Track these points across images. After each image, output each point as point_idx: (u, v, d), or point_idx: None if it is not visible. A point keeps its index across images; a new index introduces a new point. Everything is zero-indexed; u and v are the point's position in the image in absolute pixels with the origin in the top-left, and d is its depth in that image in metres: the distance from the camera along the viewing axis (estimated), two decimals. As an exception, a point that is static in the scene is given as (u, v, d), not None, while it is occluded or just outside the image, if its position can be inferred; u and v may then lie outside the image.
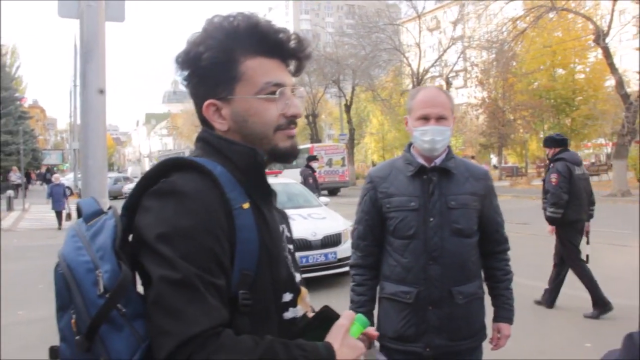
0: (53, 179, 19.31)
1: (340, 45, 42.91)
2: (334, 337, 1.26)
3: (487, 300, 2.74)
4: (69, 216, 17.93)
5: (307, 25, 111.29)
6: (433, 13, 54.36)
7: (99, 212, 1.28)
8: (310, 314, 1.41)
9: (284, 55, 1.38)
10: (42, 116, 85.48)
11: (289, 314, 1.36)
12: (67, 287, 1.18)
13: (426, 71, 38.29)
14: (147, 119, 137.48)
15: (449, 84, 38.20)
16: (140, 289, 1.22)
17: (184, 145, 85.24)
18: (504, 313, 2.73)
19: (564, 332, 6.18)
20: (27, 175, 37.82)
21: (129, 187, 34.03)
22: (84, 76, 5.43)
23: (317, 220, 9.28)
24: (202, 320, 1.11)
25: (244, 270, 1.24)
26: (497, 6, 29.05)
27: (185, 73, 1.38)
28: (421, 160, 2.63)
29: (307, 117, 48.77)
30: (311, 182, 14.63)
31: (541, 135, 44.88)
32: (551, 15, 26.15)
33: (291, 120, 1.38)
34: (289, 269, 1.40)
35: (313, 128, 47.98)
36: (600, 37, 23.24)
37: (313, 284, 8.33)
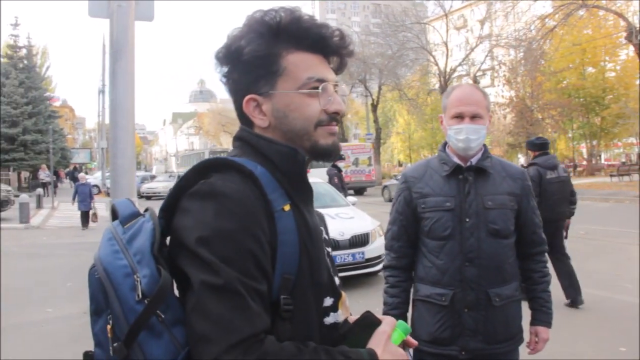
0: (79, 178, 18.83)
1: (367, 44, 42.79)
2: (376, 343, 1.21)
3: (524, 302, 2.67)
4: (94, 216, 17.63)
5: (333, 25, 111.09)
6: (460, 11, 53.88)
7: (136, 214, 1.24)
8: (350, 318, 1.37)
9: (326, 51, 1.34)
10: (71, 115, 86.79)
11: (330, 319, 1.31)
12: (104, 292, 1.15)
13: (453, 70, 38.02)
14: (173, 118, 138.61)
15: (476, 82, 37.84)
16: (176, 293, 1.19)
17: (210, 144, 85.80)
18: (542, 316, 2.65)
19: (597, 335, 6.04)
20: (56, 174, 38.38)
21: (147, 187, 34.36)
22: (113, 75, 5.47)
23: (345, 219, 9.22)
24: (245, 327, 1.08)
25: (285, 275, 1.19)
26: (525, 4, 28.76)
27: (225, 69, 1.34)
28: (457, 160, 2.57)
29: (332, 116, 48.61)
30: (336, 181, 14.64)
31: (570, 135, 44.41)
32: (581, 12, 25.78)
33: (333, 117, 1.33)
34: (330, 272, 1.36)
35: (339, 127, 47.89)
36: (632, 34, 22.86)
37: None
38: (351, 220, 9.31)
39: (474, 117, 2.50)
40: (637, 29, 22.93)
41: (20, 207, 18.41)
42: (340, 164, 15.97)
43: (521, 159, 48.60)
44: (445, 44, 37.32)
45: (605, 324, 6.46)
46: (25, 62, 42.88)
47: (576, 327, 6.23)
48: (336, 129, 1.35)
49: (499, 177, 2.56)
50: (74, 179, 22.65)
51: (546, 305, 2.66)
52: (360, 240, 8.68)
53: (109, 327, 1.14)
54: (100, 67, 39.29)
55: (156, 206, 1.27)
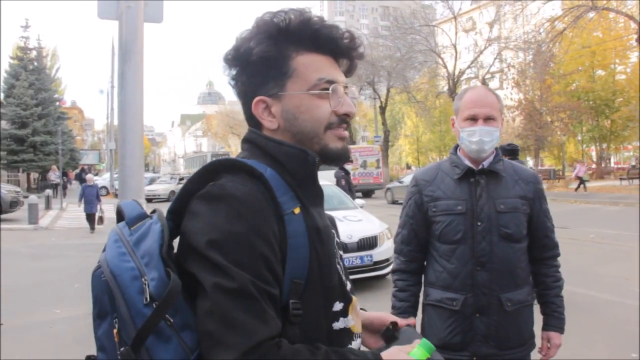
0: (86, 180, 18.11)
1: (375, 46, 42.80)
2: (389, 353, 1.21)
3: (536, 308, 2.63)
4: (100, 219, 17.27)
5: (342, 27, 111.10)
6: (469, 14, 53.82)
7: (143, 216, 1.22)
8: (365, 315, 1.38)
9: (336, 53, 1.32)
10: (80, 117, 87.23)
11: (339, 324, 1.29)
12: (110, 294, 1.13)
13: (462, 73, 37.95)
14: (182, 120, 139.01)
15: (485, 85, 37.76)
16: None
17: (218, 146, 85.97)
18: (555, 321, 2.61)
19: (608, 341, 5.98)
20: (65, 175, 38.57)
21: (148, 190, 34.35)
22: (122, 76, 5.47)
23: (353, 222, 9.20)
24: (262, 330, 1.06)
25: (294, 279, 1.18)
26: (534, 6, 28.63)
27: (234, 71, 1.32)
28: (468, 163, 2.54)
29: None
30: (344, 184, 14.64)
31: (579, 138, 44.19)
32: (591, 14, 25.67)
33: (343, 119, 1.31)
34: (341, 276, 1.33)
35: (347, 130, 47.92)
36: (643, 36, 22.70)
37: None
38: (359, 222, 9.28)
39: (488, 119, 2.47)
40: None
41: (29, 208, 18.48)
42: (348, 167, 15.95)
43: (530, 162, 48.45)
44: (454, 46, 37.26)
45: (615, 329, 6.40)
46: (36, 63, 43.07)
47: (587, 332, 6.16)
48: (346, 133, 1.34)
49: (511, 180, 2.52)
50: (82, 180, 22.57)
51: (558, 310, 2.62)
52: (369, 243, 8.65)
53: (115, 330, 1.12)
54: (109, 69, 39.49)
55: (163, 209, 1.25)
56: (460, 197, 2.49)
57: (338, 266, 1.33)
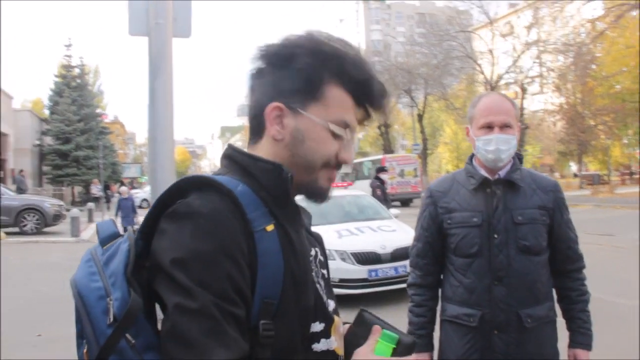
0: (121, 192, 18.01)
1: (412, 54, 42.62)
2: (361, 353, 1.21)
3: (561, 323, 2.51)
4: None
5: (378, 36, 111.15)
6: (506, 18, 52.97)
7: (116, 235, 1.21)
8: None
9: (362, 99, 1.29)
10: (122, 131, 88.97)
11: (320, 346, 1.24)
12: (79, 315, 1.12)
13: (500, 78, 37.38)
14: (222, 132, 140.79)
15: (524, 90, 37.15)
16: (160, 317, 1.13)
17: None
18: (581, 338, 2.47)
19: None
20: (108, 188, 39.40)
21: None
22: (152, 91, 5.52)
23: (387, 232, 9.12)
24: (221, 354, 1.02)
25: (265, 299, 1.13)
26: (573, 7, 28.04)
27: (264, 65, 1.28)
28: (484, 173, 2.44)
29: (379, 127, 48.63)
30: (379, 193, 14.52)
31: (625, 141, 43.03)
32: (634, 13, 25.01)
33: (338, 164, 1.29)
34: (320, 296, 1.28)
35: (386, 139, 47.83)
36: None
37: (381, 299, 8.18)
38: (393, 233, 9.20)
39: (504, 127, 2.38)
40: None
41: (72, 221, 18.90)
42: (384, 176, 15.87)
43: (573, 167, 47.42)
44: (491, 51, 36.75)
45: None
46: (78, 80, 44.33)
47: (612, 340, 5.93)
48: (335, 175, 1.33)
49: (529, 190, 2.42)
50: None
51: (585, 326, 2.48)
52: (403, 254, 8.50)
53: (84, 351, 1.11)
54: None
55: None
56: (476, 208, 2.40)
57: (318, 285, 1.28)
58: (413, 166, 34.19)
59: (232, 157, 1.30)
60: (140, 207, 17.16)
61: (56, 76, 44.23)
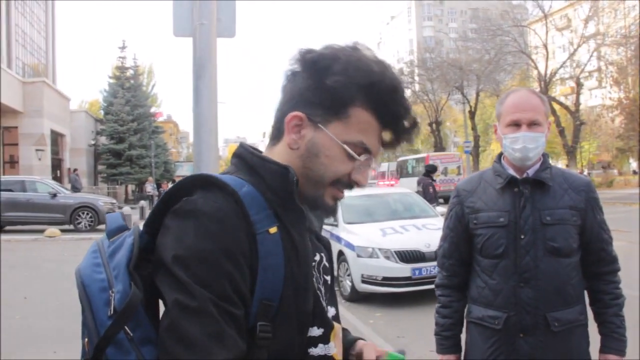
0: (163, 189, 18.82)
1: (464, 50, 42.05)
2: None
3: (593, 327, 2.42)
4: None
5: (430, 32, 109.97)
6: (563, 11, 51.60)
7: (123, 228, 1.23)
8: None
9: (389, 125, 1.27)
10: (175, 130, 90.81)
11: (317, 351, 1.24)
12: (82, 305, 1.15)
13: (554, 73, 36.45)
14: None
15: (580, 85, 36.15)
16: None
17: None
18: (613, 343, 2.37)
19: None
20: (160, 186, 40.28)
21: None
22: (196, 91, 5.60)
23: (432, 231, 9.02)
24: (218, 352, 1.03)
25: (264, 301, 1.13)
26: (634, -1, 27.11)
27: (299, 69, 1.26)
28: (512, 171, 2.38)
29: (430, 124, 48.20)
30: (431, 191, 14.47)
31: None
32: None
33: (350, 184, 1.28)
34: (320, 302, 1.27)
35: (437, 136, 47.38)
36: None
37: (424, 297, 8.06)
38: (438, 231, 9.01)
39: (532, 124, 2.30)
40: None
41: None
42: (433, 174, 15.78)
43: (633, 164, 45.89)
44: (545, 46, 35.86)
45: None
46: (132, 81, 45.45)
47: None
48: (343, 196, 1.30)
49: (559, 190, 2.34)
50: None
51: (618, 331, 2.37)
52: (448, 252, 8.44)
53: (85, 341, 1.13)
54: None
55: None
56: (503, 208, 2.34)
57: (318, 292, 1.27)
58: (456, 164, 34.41)
59: (242, 156, 1.30)
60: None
61: (110, 77, 45.52)
